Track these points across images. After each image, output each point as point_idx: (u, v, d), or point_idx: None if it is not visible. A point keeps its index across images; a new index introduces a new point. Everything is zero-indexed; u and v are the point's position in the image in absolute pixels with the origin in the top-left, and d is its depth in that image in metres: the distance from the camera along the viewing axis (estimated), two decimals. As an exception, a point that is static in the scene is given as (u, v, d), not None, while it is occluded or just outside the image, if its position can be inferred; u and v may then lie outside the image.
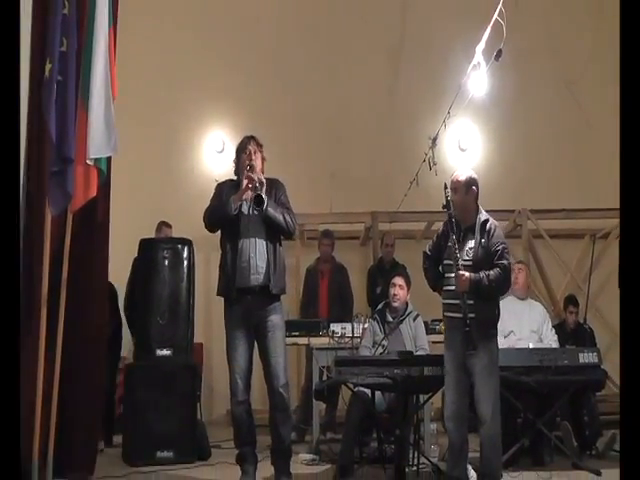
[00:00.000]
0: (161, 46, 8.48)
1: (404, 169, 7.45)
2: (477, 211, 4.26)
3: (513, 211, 7.88)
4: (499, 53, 4.43)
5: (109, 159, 4.74)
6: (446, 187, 4.23)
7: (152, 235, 6.56)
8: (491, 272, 4.08)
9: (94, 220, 4.87)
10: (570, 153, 8.64)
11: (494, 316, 4.19)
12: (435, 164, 5.83)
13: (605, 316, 7.62)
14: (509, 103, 8.51)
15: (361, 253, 8.44)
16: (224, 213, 4.46)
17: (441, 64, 8.17)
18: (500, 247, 4.14)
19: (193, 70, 8.49)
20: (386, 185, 8.15)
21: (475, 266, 4.11)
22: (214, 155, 8.63)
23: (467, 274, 4.07)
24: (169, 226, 6.73)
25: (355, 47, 8.69)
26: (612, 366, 6.40)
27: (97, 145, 4.48)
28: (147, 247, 5.80)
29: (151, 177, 8.27)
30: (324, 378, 5.40)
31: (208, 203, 4.66)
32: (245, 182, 4.44)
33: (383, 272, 6.89)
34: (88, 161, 4.45)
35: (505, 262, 4.12)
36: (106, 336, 5.15)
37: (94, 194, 4.51)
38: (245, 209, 4.54)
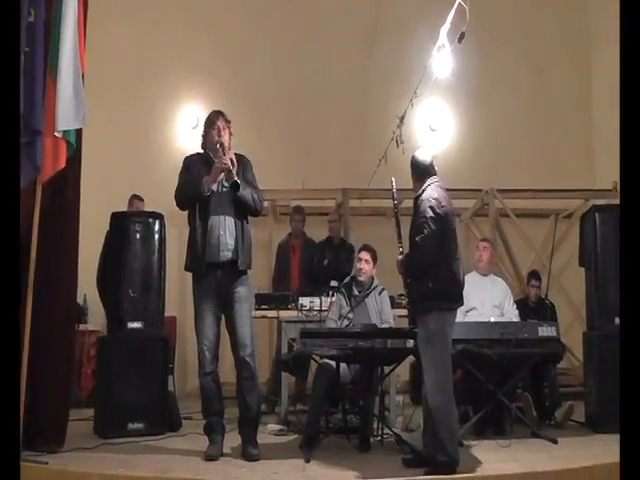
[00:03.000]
0: (137, 21, 8.48)
1: (376, 147, 7.51)
2: (420, 189, 4.32)
3: (481, 190, 8.00)
4: (462, 36, 4.50)
5: (79, 132, 4.76)
6: (392, 182, 4.54)
7: (125, 209, 6.56)
8: (410, 251, 4.23)
9: (64, 195, 4.86)
10: (539, 135, 8.78)
11: (427, 291, 4.12)
12: (403, 142, 5.92)
13: (568, 293, 7.81)
14: (479, 84, 8.64)
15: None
16: (196, 194, 4.57)
17: (413, 45, 8.21)
18: (419, 222, 4.14)
19: (168, 45, 8.50)
20: (358, 163, 8.22)
21: (410, 246, 4.25)
22: (188, 130, 8.63)
23: (400, 257, 4.30)
24: (141, 199, 6.75)
25: (329, 28, 8.74)
26: (574, 340, 6.63)
27: (66, 117, 4.49)
28: (119, 221, 5.80)
29: (125, 151, 8.30)
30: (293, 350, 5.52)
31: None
32: (220, 166, 4.56)
33: (331, 247, 7.11)
34: (57, 133, 4.47)
35: (417, 238, 4.11)
36: (76, 311, 5.20)
37: (63, 166, 4.53)
38: (215, 187, 4.65)
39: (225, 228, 4.61)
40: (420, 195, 4.27)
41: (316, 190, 8.01)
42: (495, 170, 8.37)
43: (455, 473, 3.91)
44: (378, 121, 8.33)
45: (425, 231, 4.09)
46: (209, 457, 4.46)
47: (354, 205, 7.88)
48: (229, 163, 4.56)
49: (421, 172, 4.36)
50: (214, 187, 4.64)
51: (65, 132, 4.54)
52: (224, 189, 4.64)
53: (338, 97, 8.66)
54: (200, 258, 4.55)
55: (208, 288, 4.58)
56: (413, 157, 4.44)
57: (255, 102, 8.46)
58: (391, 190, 4.60)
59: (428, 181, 4.31)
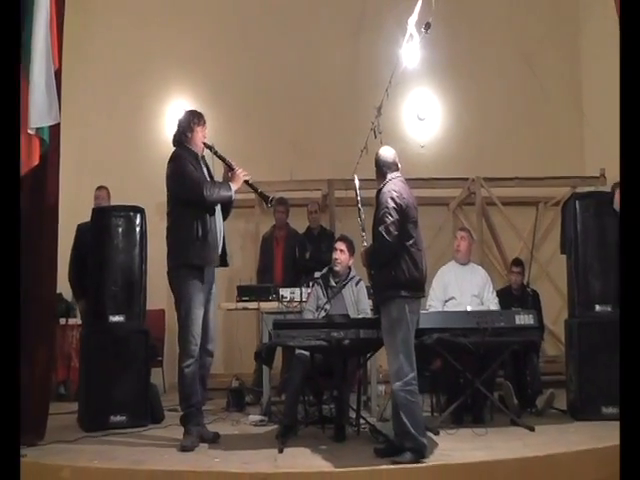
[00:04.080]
0: (126, 15, 8.52)
1: (362, 138, 7.54)
2: (382, 183, 4.42)
3: (467, 179, 7.99)
4: (427, 25, 4.51)
5: (53, 129, 4.77)
6: (354, 180, 4.65)
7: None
8: (373, 242, 4.29)
9: (43, 192, 4.85)
10: (528, 123, 8.78)
11: (389, 280, 4.18)
12: (380, 133, 5.93)
13: (556, 281, 7.79)
14: (468, 73, 8.66)
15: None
16: (228, 198, 4.82)
17: (398, 36, 8.21)
18: (381, 213, 4.23)
19: (154, 41, 8.54)
20: (344, 154, 8.22)
21: (373, 236, 4.31)
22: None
23: (363, 248, 4.38)
24: (102, 189, 6.56)
25: (315, 20, 8.76)
26: (563, 328, 6.61)
27: (38, 115, 4.50)
28: (100, 215, 5.83)
29: (115, 147, 8.37)
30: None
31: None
32: (243, 177, 4.84)
33: (311, 238, 7.18)
34: (30, 130, 4.48)
35: (380, 228, 4.18)
36: (56, 306, 5.24)
37: (36, 162, 4.54)
38: None
39: (218, 227, 4.82)
40: (381, 189, 4.36)
41: (302, 181, 8.04)
42: (483, 159, 8.37)
43: (422, 460, 3.94)
44: (364, 112, 8.32)
45: (387, 220, 4.17)
46: (184, 448, 4.51)
47: (340, 196, 7.89)
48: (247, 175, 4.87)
49: (383, 168, 4.44)
50: None
51: (38, 129, 4.54)
52: None
53: (324, 88, 8.68)
54: (206, 254, 4.71)
55: (200, 284, 4.72)
56: (376, 155, 4.54)
57: (242, 95, 8.52)
58: (353, 185, 4.70)
59: (389, 176, 4.40)
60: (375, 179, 4.52)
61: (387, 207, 4.19)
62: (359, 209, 4.61)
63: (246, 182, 4.89)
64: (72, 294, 6.20)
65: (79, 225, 6.14)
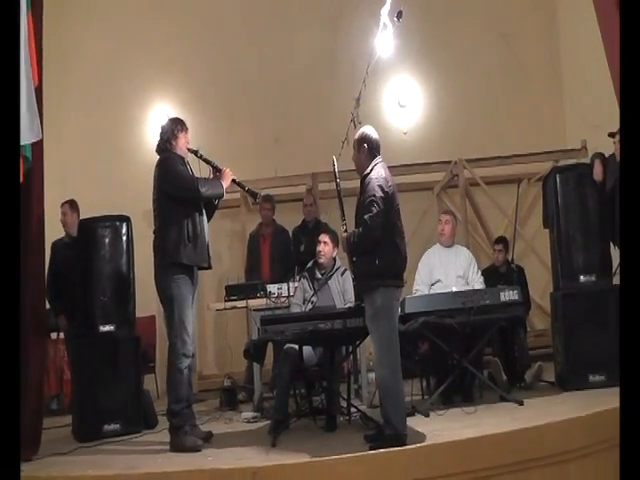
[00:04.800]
0: (105, 20, 8.53)
1: (344, 130, 7.55)
2: (369, 167, 4.32)
3: (450, 162, 8.00)
4: (399, 14, 4.52)
5: (36, 146, 4.74)
6: (334, 161, 4.57)
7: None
8: (357, 229, 4.23)
9: (29, 202, 4.84)
10: (509, 103, 8.77)
11: (374, 268, 4.16)
12: (360, 123, 5.93)
13: (542, 256, 7.79)
14: (447, 56, 8.66)
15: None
16: (220, 194, 4.89)
17: (374, 27, 8.22)
18: (367, 200, 4.17)
19: (135, 46, 8.55)
20: (327, 146, 8.18)
21: (357, 223, 4.28)
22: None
23: (344, 234, 4.31)
24: (66, 203, 6.50)
25: (295, 15, 8.77)
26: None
27: (21, 132, 4.52)
28: (85, 227, 5.84)
29: (98, 153, 8.42)
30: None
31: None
32: (230, 175, 4.92)
33: (306, 232, 7.16)
34: (12, 149, 4.50)
35: (366, 217, 4.13)
36: (45, 320, 5.27)
37: (20, 181, 4.55)
38: None
39: (205, 227, 4.88)
40: (369, 173, 4.28)
41: (286, 177, 8.06)
42: (466, 141, 8.39)
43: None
44: (344, 104, 8.33)
45: (374, 209, 4.12)
46: (196, 448, 4.53)
47: (324, 188, 7.90)
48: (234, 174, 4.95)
49: (373, 149, 4.36)
50: None
51: (20, 147, 4.56)
52: None
53: (304, 83, 8.68)
54: (197, 254, 4.76)
55: (190, 285, 4.78)
56: (364, 133, 4.42)
57: (223, 96, 8.57)
58: (333, 169, 4.63)
59: (377, 160, 4.33)
60: (355, 167, 4.45)
61: (374, 195, 4.15)
62: (338, 191, 4.55)
63: (233, 181, 4.95)
64: (52, 310, 6.23)
65: (54, 242, 6.16)
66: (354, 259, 4.36)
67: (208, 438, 4.77)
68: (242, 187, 5.09)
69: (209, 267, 4.98)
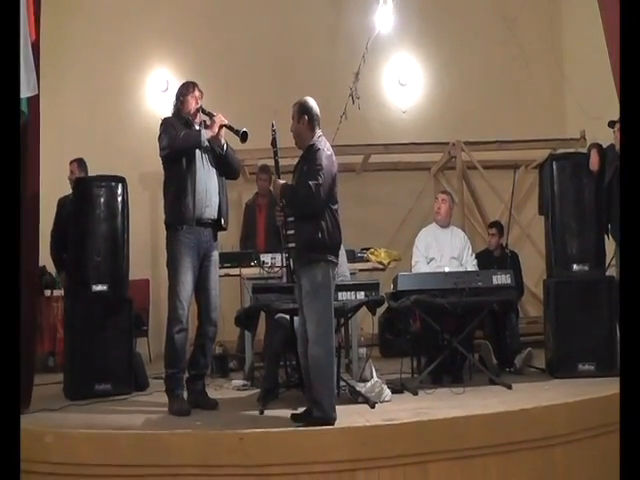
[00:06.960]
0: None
1: (343, 104, 7.53)
2: (311, 138, 4.20)
3: (448, 143, 8.01)
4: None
5: (32, 101, 4.72)
6: (273, 126, 4.41)
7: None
8: (300, 187, 4.07)
9: (24, 167, 4.81)
10: (509, 87, 8.82)
11: (316, 242, 4.03)
12: (358, 98, 5.92)
13: (537, 243, 7.85)
14: (449, 37, 8.65)
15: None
16: (197, 143, 4.65)
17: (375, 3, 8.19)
18: (315, 167, 4.03)
19: (135, 10, 8.49)
20: (326, 121, 8.19)
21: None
22: (158, 94, 8.67)
23: (281, 181, 4.20)
24: (74, 162, 6.53)
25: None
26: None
27: None
28: (81, 186, 5.82)
29: (96, 117, 8.38)
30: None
31: (154, 141, 4.80)
32: (219, 120, 4.71)
33: None
34: (7, 103, 4.46)
35: (313, 182, 3.96)
36: (37, 277, 5.26)
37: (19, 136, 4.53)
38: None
39: (211, 186, 4.73)
40: (314, 144, 4.15)
41: (285, 148, 7.99)
42: (465, 123, 8.41)
43: None
44: (344, 79, 8.32)
45: (319, 179, 3.97)
46: (184, 412, 4.51)
47: (322, 162, 7.89)
48: (225, 119, 4.72)
49: (313, 120, 4.23)
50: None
51: None
52: (208, 148, 4.75)
53: (305, 55, 8.69)
54: (190, 212, 4.61)
55: (189, 245, 4.65)
56: (305, 103, 4.26)
57: (222, 63, 8.53)
58: (272, 134, 4.47)
59: (319, 132, 4.23)
60: (294, 138, 4.30)
61: (322, 165, 4.02)
62: (275, 151, 4.41)
63: (224, 126, 4.76)
64: (54, 267, 6.22)
65: (60, 199, 6.15)
66: (287, 232, 4.20)
67: (215, 406, 4.72)
68: (230, 128, 4.80)
69: (219, 225, 4.81)
